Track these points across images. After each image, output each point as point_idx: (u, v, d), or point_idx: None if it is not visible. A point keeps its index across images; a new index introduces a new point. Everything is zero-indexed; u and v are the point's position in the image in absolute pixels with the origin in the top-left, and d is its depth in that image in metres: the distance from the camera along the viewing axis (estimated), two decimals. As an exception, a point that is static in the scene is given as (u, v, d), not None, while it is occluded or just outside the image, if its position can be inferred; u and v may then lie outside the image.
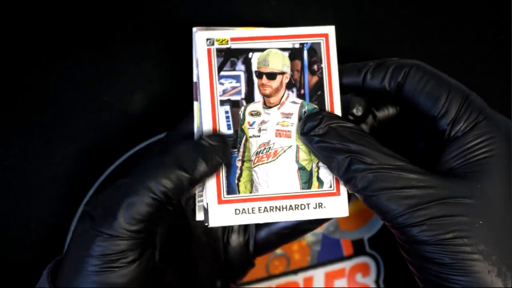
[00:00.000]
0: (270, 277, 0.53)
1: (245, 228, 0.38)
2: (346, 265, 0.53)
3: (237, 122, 0.39)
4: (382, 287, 0.53)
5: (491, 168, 0.31)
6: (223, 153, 0.33)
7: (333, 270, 0.53)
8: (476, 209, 0.30)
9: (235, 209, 0.37)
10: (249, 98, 0.39)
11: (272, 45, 0.39)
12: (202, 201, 0.35)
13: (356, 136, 0.32)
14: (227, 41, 0.34)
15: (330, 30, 0.39)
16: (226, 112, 0.39)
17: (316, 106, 0.39)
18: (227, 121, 0.39)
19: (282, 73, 0.39)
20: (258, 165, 0.39)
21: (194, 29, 0.34)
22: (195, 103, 0.35)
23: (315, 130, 0.33)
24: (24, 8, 0.53)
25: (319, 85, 0.39)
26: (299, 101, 0.39)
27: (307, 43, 0.39)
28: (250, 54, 0.39)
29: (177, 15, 0.51)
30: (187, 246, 0.37)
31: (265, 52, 0.39)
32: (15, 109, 0.53)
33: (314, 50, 0.39)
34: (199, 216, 0.35)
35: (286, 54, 0.39)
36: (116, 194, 0.31)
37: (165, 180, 0.31)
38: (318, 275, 0.53)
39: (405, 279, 0.55)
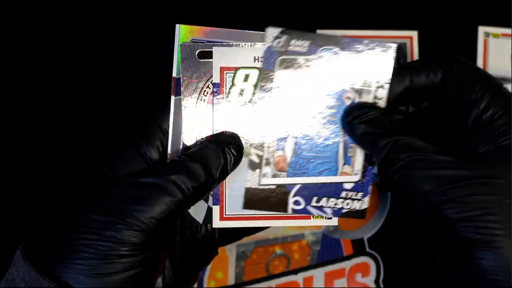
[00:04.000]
0: (270, 277, 0.53)
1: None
2: (346, 265, 0.53)
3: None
4: (382, 287, 0.53)
5: None
6: (238, 162, 0.36)
7: (333, 270, 0.53)
8: (503, 188, 0.32)
9: None
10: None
11: None
12: None
13: (395, 125, 0.36)
14: None
15: (414, 34, 0.54)
16: None
17: None
18: None
19: None
20: None
21: (177, 26, 0.35)
22: (173, 98, 0.36)
23: (360, 119, 0.36)
24: (25, 9, 0.53)
25: None
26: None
27: (396, 42, 0.51)
28: None
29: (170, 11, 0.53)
30: (172, 237, 0.38)
31: None
32: (19, 110, 0.53)
33: (401, 48, 0.54)
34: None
35: None
36: (147, 190, 0.33)
37: (195, 184, 0.33)
38: (318, 275, 0.53)
39: (405, 279, 0.54)
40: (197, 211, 0.37)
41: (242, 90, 0.36)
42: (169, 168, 0.33)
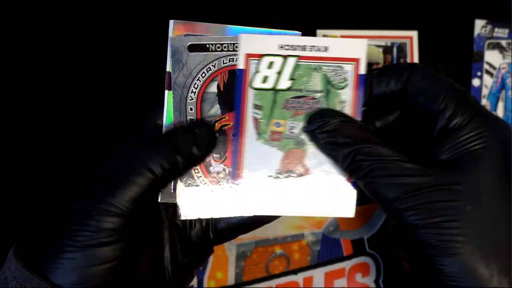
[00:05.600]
0: (270, 277, 0.53)
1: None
2: (346, 265, 0.53)
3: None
4: (382, 287, 0.52)
5: (483, 159, 0.33)
6: (212, 143, 0.36)
7: (333, 270, 0.53)
8: (466, 195, 0.32)
9: None
10: (352, 80, 0.56)
11: (370, 43, 0.55)
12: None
13: (359, 133, 0.35)
14: None
15: (414, 34, 0.55)
16: None
17: None
18: None
19: (377, 63, 0.55)
20: None
21: (171, 21, 0.35)
22: (167, 92, 0.37)
23: (322, 128, 0.35)
24: (26, 10, 0.53)
25: None
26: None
27: (396, 42, 0.55)
28: None
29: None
30: (157, 226, 0.38)
31: None
32: (16, 108, 0.53)
33: (401, 48, 0.55)
34: (163, 198, 0.37)
35: (381, 49, 0.55)
36: (116, 171, 0.33)
37: (165, 163, 0.33)
38: (318, 275, 0.53)
39: (405, 279, 0.54)
40: (188, 206, 0.37)
41: (265, 77, 0.37)
42: (141, 149, 0.34)
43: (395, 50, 0.56)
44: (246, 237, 0.55)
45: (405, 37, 0.56)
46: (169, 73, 0.37)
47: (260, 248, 0.55)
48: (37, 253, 0.33)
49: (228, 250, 0.55)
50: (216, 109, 0.37)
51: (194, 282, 0.55)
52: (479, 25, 0.57)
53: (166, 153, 0.33)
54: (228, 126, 0.37)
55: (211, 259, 0.55)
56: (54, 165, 0.53)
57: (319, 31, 0.56)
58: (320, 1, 0.57)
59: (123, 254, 0.32)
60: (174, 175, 0.34)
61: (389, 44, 0.56)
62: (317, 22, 0.56)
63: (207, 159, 0.37)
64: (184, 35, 0.37)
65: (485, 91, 0.57)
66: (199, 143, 0.35)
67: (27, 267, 0.32)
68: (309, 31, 0.56)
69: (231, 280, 0.55)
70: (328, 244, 0.55)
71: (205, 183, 0.37)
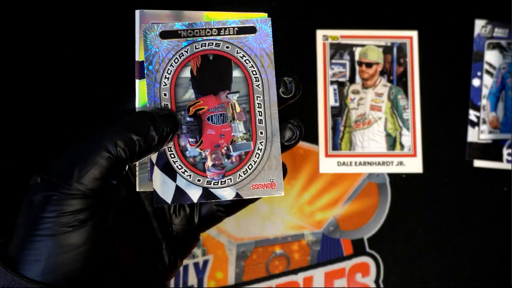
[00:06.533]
0: (270, 277, 0.53)
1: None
2: (346, 265, 0.53)
3: (342, 97, 0.55)
4: (382, 287, 0.52)
5: None
6: (171, 125, 0.36)
7: (333, 270, 0.53)
8: None
9: (337, 162, 0.54)
10: (352, 80, 0.56)
11: (370, 43, 0.56)
12: (143, 173, 0.37)
13: None
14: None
15: (414, 34, 0.56)
16: (334, 89, 0.55)
17: (401, 89, 0.56)
18: (334, 97, 0.55)
19: (377, 63, 0.55)
20: (356, 130, 0.55)
21: (137, 11, 0.35)
22: (138, 81, 0.37)
23: None
24: (24, 10, 0.53)
25: (404, 74, 0.56)
26: (389, 84, 0.56)
27: (396, 42, 0.56)
28: (353, 48, 0.56)
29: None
30: (136, 216, 0.38)
31: (365, 47, 0.56)
32: (16, 109, 0.53)
33: (401, 48, 0.56)
34: (140, 187, 0.37)
35: (381, 49, 0.56)
36: (72, 154, 0.33)
37: (120, 141, 0.33)
38: (318, 275, 0.53)
39: (405, 279, 0.54)
40: (165, 192, 0.37)
41: None
42: (97, 130, 0.34)
43: (395, 50, 0.56)
44: (246, 237, 0.55)
45: (405, 37, 0.56)
46: (138, 62, 0.37)
47: (260, 248, 0.55)
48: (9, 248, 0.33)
49: (228, 250, 0.55)
50: (190, 94, 0.37)
51: (194, 282, 0.55)
52: (479, 25, 0.57)
53: (121, 132, 0.33)
54: (203, 110, 0.37)
55: (211, 259, 0.55)
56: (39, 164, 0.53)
57: (319, 31, 0.56)
58: (320, 1, 0.57)
59: (91, 239, 0.32)
60: (132, 155, 0.34)
61: (389, 44, 0.56)
62: (317, 22, 0.56)
63: (182, 144, 0.37)
64: (152, 23, 0.37)
65: (485, 91, 0.57)
66: (157, 125, 0.34)
67: (2, 263, 0.31)
68: (309, 31, 0.56)
69: (231, 280, 0.55)
70: (328, 244, 0.55)
71: (182, 168, 0.37)
